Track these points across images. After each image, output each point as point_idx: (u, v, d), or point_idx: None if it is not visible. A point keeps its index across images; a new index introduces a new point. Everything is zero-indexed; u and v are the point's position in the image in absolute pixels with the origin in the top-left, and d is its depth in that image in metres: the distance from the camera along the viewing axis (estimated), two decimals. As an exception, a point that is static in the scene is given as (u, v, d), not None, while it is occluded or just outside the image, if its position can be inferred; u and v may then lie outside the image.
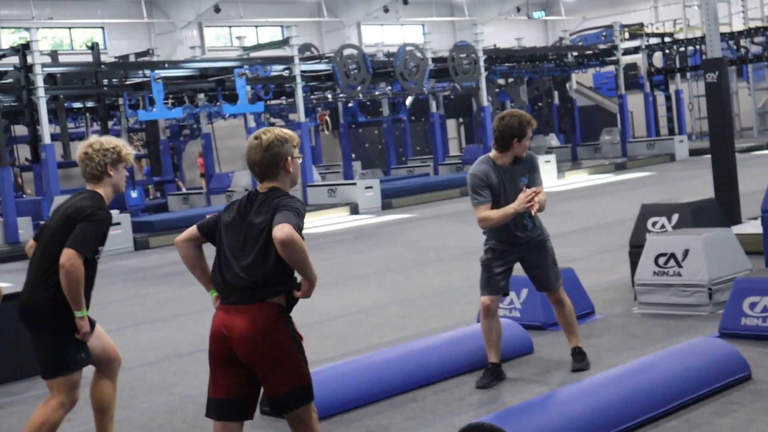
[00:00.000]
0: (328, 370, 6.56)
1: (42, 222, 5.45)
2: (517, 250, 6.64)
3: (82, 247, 5.09)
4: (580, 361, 6.85)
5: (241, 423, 4.38)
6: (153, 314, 11.06)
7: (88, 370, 5.54)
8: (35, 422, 5.21)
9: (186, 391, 7.34)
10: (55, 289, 5.15)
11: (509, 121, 6.48)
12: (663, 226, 9.34)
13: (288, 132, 4.36)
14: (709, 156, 12.28)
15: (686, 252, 8.26)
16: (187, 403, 6.98)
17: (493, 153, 6.60)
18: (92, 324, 5.35)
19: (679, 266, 8.29)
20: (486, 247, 6.73)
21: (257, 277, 4.28)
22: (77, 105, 24.83)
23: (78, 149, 5.40)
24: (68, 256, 5.05)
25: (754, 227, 10.60)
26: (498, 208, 6.48)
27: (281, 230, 4.09)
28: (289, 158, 4.32)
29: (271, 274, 4.28)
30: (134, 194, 21.96)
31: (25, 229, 19.75)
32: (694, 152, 30.50)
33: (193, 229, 4.51)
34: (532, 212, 6.34)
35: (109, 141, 5.38)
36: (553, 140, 33.47)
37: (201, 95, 24.66)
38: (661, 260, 8.40)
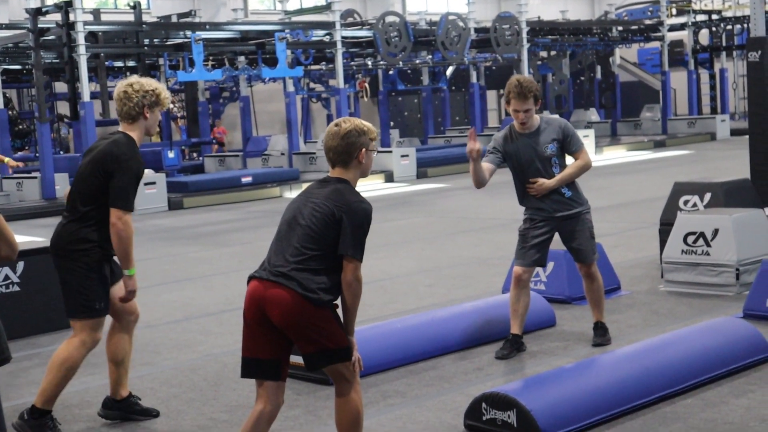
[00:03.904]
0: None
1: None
2: (555, 221, 6.66)
3: (128, 204, 5.22)
4: (601, 336, 6.87)
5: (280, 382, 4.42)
6: (182, 273, 11.18)
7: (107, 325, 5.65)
8: (58, 358, 5.37)
9: (209, 350, 7.45)
10: (84, 233, 5.27)
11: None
12: (695, 205, 9.29)
13: (367, 124, 4.47)
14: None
15: (716, 231, 8.22)
16: (209, 361, 7.09)
17: None
18: (118, 275, 5.47)
19: (708, 245, 8.25)
20: (525, 216, 6.77)
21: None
22: (118, 64, 24.97)
23: (117, 87, 5.45)
24: (117, 216, 5.17)
25: (787, 209, 10.49)
26: (517, 173, 6.69)
27: (353, 273, 4.26)
28: (364, 150, 4.43)
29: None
30: (171, 154, 22.11)
31: (62, 185, 19.98)
32: (735, 132, 30.13)
33: None
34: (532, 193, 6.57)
35: (150, 83, 5.44)
36: (594, 115, 33.22)
37: (241, 58, 24.70)
38: (690, 239, 8.37)
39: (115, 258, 5.43)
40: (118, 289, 5.49)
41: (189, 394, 6.30)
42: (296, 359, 4.87)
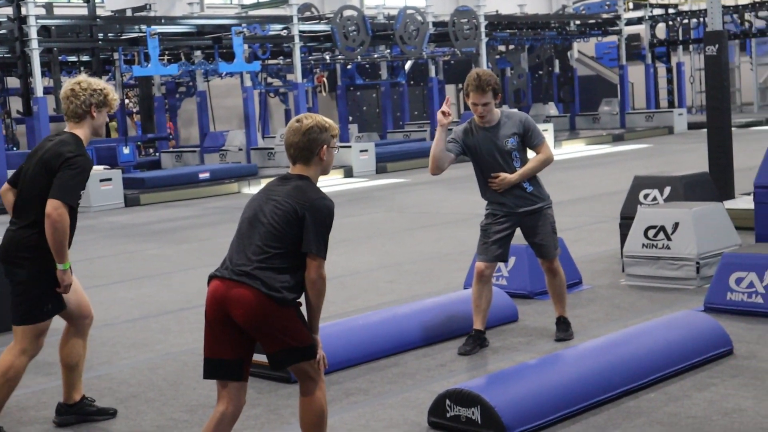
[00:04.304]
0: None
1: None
2: (517, 216, 6.65)
3: (67, 197, 5.07)
4: (564, 330, 6.88)
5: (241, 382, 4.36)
6: (139, 271, 11.06)
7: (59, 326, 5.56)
8: (0, 369, 5.22)
9: (168, 349, 7.36)
10: (35, 237, 5.15)
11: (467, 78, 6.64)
12: (655, 199, 9.36)
13: (329, 121, 4.43)
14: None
15: (676, 225, 8.27)
16: (168, 360, 7.01)
17: None
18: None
19: (668, 239, 8.30)
20: (486, 211, 6.75)
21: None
22: (71, 59, 24.72)
23: (64, 86, 5.35)
24: (54, 206, 5.03)
25: (746, 203, 10.60)
26: (478, 167, 6.68)
27: (317, 270, 4.21)
28: (325, 147, 4.38)
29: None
30: (126, 150, 21.89)
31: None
32: (693, 126, 30.43)
33: None
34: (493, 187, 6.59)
35: (98, 82, 5.35)
36: (552, 109, 33.40)
37: (197, 52, 24.51)
38: (651, 233, 8.41)
39: None
40: (71, 292, 5.38)
41: (148, 393, 6.22)
42: (258, 358, 4.81)
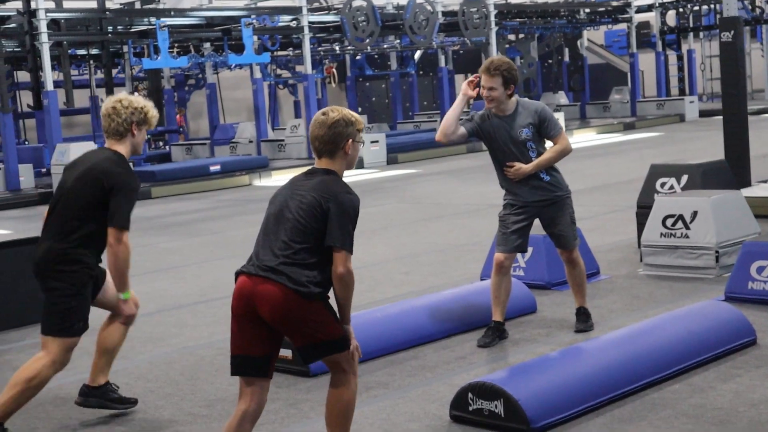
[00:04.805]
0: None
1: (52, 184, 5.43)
2: (535, 206, 6.57)
3: (127, 223, 5.17)
4: (584, 321, 6.81)
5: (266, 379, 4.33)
6: (153, 265, 11.02)
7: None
8: (26, 375, 5.18)
9: (184, 343, 7.33)
10: (74, 254, 5.17)
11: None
12: (672, 187, 9.28)
13: (355, 115, 4.43)
14: (719, 117, 12.18)
15: (694, 214, 8.19)
16: (184, 354, 6.97)
17: None
18: (104, 273, 5.42)
19: (687, 228, 8.22)
20: (504, 202, 6.69)
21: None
22: (81, 52, 24.67)
23: (105, 104, 5.39)
24: (116, 237, 5.12)
25: (763, 190, 10.54)
26: (494, 155, 6.62)
27: (343, 264, 4.17)
28: (351, 140, 4.37)
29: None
30: (137, 143, 21.85)
31: (26, 176, 19.71)
32: (704, 113, 30.29)
33: None
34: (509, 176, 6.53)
35: (138, 100, 5.40)
36: (562, 98, 33.26)
37: (207, 45, 24.49)
38: (669, 222, 8.33)
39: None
40: (110, 293, 5.42)
41: (166, 388, 6.18)
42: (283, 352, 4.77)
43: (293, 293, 4.13)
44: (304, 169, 4.47)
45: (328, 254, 4.20)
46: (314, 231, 4.19)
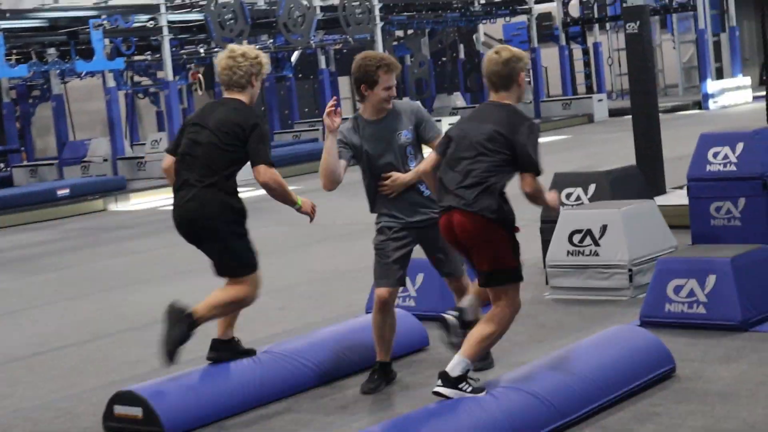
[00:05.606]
0: (176, 380, 6.20)
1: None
2: (416, 228, 6.37)
3: (269, 158, 6.13)
4: (482, 359, 6.63)
5: None
6: (-16, 310, 10.59)
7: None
8: (225, 298, 6.14)
9: (17, 404, 6.98)
10: (221, 198, 6.18)
11: (358, 62, 6.29)
12: (578, 198, 9.27)
13: (522, 51, 5.55)
14: (630, 117, 12.23)
15: (604, 228, 8.18)
16: (16, 420, 6.60)
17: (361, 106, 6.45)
18: None
19: (597, 245, 8.21)
20: (378, 225, 6.46)
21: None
22: None
23: (220, 56, 6.20)
24: (263, 172, 6.11)
25: (679, 198, 10.59)
26: (368, 171, 6.38)
27: (531, 185, 5.45)
28: (522, 73, 5.49)
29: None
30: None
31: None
32: (614, 112, 30.76)
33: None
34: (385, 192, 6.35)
35: (252, 50, 6.24)
36: (459, 100, 33.39)
37: (51, 50, 23.95)
38: (576, 238, 8.31)
39: None
40: None
41: (-10, 463, 5.82)
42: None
43: (482, 218, 5.33)
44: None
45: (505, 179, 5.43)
46: (499, 158, 5.35)
